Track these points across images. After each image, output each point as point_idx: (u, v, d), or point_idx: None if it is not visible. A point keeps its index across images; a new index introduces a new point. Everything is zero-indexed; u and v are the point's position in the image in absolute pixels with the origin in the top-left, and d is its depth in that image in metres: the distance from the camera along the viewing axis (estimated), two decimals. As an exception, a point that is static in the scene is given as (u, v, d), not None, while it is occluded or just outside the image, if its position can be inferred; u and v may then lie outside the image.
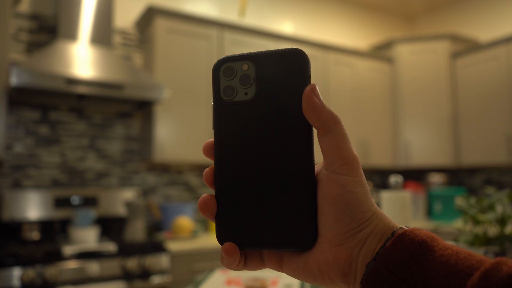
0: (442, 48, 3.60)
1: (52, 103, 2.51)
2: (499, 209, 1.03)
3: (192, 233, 2.55)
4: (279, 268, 0.33)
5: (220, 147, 0.33)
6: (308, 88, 0.31)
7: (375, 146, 3.57)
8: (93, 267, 1.99)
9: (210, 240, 2.51)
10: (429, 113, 3.60)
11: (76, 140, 2.64)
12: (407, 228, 0.30)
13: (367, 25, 4.16)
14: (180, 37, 2.72)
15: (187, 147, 2.67)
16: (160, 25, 2.65)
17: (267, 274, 1.36)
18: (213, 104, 0.33)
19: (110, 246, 2.08)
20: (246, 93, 0.33)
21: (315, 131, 0.32)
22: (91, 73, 2.23)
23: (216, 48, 2.84)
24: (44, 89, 2.09)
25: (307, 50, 3.26)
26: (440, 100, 3.57)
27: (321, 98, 0.31)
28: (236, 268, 0.33)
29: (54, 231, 2.45)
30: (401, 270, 0.27)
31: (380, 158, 3.58)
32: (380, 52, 3.83)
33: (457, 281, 0.26)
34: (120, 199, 2.64)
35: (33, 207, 2.37)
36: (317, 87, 0.31)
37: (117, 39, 2.83)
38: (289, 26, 3.64)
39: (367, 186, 0.31)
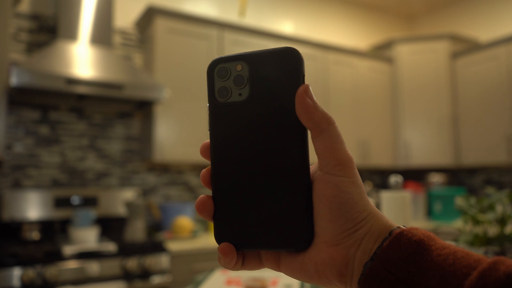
0: (442, 48, 3.60)
1: (52, 103, 2.51)
2: (499, 209, 1.03)
3: (192, 233, 2.55)
4: (277, 268, 0.33)
5: (216, 149, 0.33)
6: (301, 88, 0.31)
7: (375, 146, 3.57)
8: (93, 267, 1.99)
9: (210, 240, 2.51)
10: (429, 113, 3.60)
11: (76, 140, 2.65)
12: (404, 228, 0.30)
13: (367, 25, 4.16)
14: (180, 37, 2.72)
15: (187, 147, 2.67)
16: (160, 25, 2.65)
17: (267, 274, 1.36)
18: (208, 106, 0.33)
19: (110, 246, 2.08)
20: (240, 94, 0.32)
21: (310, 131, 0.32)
22: (91, 73, 2.24)
23: (216, 48, 2.84)
24: (44, 89, 2.09)
25: (307, 50, 3.26)
26: (440, 100, 3.57)
27: (314, 99, 0.31)
28: (234, 268, 0.33)
29: (54, 231, 2.45)
30: (399, 270, 0.27)
31: (380, 158, 3.58)
32: (380, 52, 3.83)
33: (454, 280, 0.26)
34: (120, 199, 2.64)
35: (33, 207, 2.37)
36: (310, 87, 0.31)
37: (117, 39, 2.83)
38: (289, 26, 3.64)
39: (362, 186, 0.31)
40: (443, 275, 0.26)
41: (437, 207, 3.38)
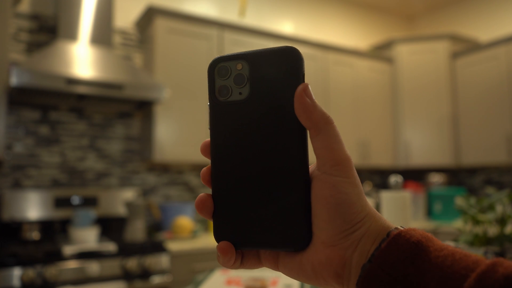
0: (442, 48, 3.60)
1: (52, 103, 2.51)
2: (499, 209, 1.03)
3: (192, 233, 2.55)
4: (275, 267, 0.33)
5: (216, 147, 0.33)
6: (299, 88, 0.30)
7: (375, 146, 3.57)
8: (93, 267, 1.99)
9: (210, 240, 2.51)
10: (429, 113, 3.60)
11: (76, 140, 2.65)
12: (402, 229, 0.29)
13: (367, 25, 4.16)
14: (180, 37, 2.72)
15: (187, 147, 2.67)
16: (160, 25, 2.65)
17: (267, 274, 1.36)
18: (209, 104, 0.33)
19: (110, 246, 2.08)
20: (240, 93, 0.32)
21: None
22: (91, 73, 2.24)
23: (216, 48, 2.84)
24: (44, 89, 2.09)
25: (307, 50, 3.26)
26: (440, 100, 3.57)
27: (313, 98, 0.30)
28: (233, 266, 0.33)
29: (54, 231, 2.45)
30: (397, 272, 0.27)
31: (380, 158, 3.58)
32: (380, 52, 3.83)
33: (453, 282, 0.26)
34: (120, 199, 2.64)
35: (33, 207, 2.37)
36: (309, 86, 0.31)
37: (117, 39, 2.83)
38: (289, 26, 3.64)
39: (360, 187, 0.31)
40: (441, 276, 0.26)
41: (437, 207, 3.38)
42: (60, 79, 2.11)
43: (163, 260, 2.18)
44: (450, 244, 1.05)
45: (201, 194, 0.33)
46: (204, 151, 0.34)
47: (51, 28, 2.61)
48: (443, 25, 4.18)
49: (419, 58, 3.65)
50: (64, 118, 2.62)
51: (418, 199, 3.42)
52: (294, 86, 0.31)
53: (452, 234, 3.01)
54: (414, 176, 4.07)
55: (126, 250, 2.10)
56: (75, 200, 2.50)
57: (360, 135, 3.49)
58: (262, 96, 0.32)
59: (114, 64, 2.40)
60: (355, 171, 0.31)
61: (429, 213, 3.52)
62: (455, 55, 3.59)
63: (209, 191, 3.76)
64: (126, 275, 2.07)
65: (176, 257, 2.27)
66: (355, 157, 3.43)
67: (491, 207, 1.05)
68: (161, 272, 2.17)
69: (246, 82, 0.32)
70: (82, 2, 2.45)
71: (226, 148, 0.33)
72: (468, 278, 0.25)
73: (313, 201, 0.31)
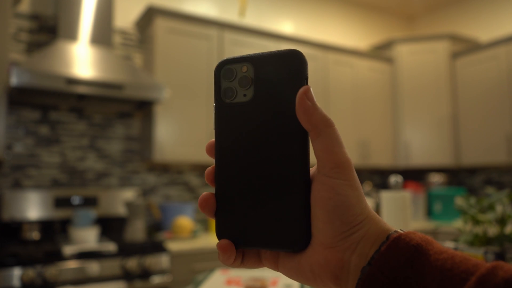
0: (442, 48, 3.60)
1: (52, 103, 2.51)
2: (499, 209, 1.03)
3: (192, 233, 2.55)
4: (275, 267, 0.33)
5: (220, 148, 0.33)
6: (301, 90, 0.31)
7: (375, 146, 3.57)
8: (93, 267, 1.99)
9: (210, 240, 2.51)
10: (429, 113, 3.60)
11: (76, 140, 2.65)
12: (402, 232, 0.29)
13: (367, 25, 4.16)
14: (180, 37, 2.72)
15: (187, 147, 2.67)
16: (160, 25, 2.65)
17: (267, 274, 1.36)
18: (215, 106, 0.34)
19: (110, 246, 2.08)
20: (245, 95, 0.33)
21: None
22: (91, 73, 2.24)
23: (216, 48, 2.84)
24: (44, 89, 2.09)
25: (307, 50, 3.26)
26: (440, 100, 3.57)
27: (315, 101, 0.31)
28: (233, 265, 0.33)
29: (54, 231, 2.45)
30: (396, 275, 0.27)
31: (380, 158, 3.58)
32: (380, 52, 3.83)
33: (453, 286, 0.26)
34: (120, 199, 2.64)
35: (33, 207, 2.37)
36: (311, 89, 0.31)
37: (117, 39, 2.83)
38: (289, 26, 3.64)
39: (360, 189, 0.31)
40: (441, 280, 0.26)
41: (437, 207, 3.38)
42: (60, 79, 2.11)
43: (163, 260, 2.18)
44: (450, 244, 1.05)
45: (205, 193, 0.33)
46: (209, 151, 0.34)
47: (51, 28, 2.61)
48: (443, 25, 4.18)
49: (419, 58, 3.65)
50: (64, 118, 2.62)
51: (418, 199, 3.42)
52: (296, 89, 0.31)
53: (452, 234, 3.01)
54: (414, 176, 4.07)
55: (126, 250, 2.10)
56: (75, 200, 2.50)
57: (360, 135, 3.49)
58: (266, 99, 0.32)
59: (114, 64, 2.40)
60: (355, 174, 0.31)
61: (429, 213, 3.52)
62: (455, 55, 3.59)
63: (209, 190, 3.77)
64: (126, 275, 2.08)
65: (176, 257, 2.27)
66: (355, 157, 3.44)
67: (491, 207, 1.05)
68: (161, 272, 2.17)
69: (251, 84, 0.33)
70: (82, 2, 2.45)
71: (230, 149, 0.33)
72: (468, 282, 0.25)
73: (312, 203, 0.31)
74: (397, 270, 0.27)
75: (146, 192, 2.85)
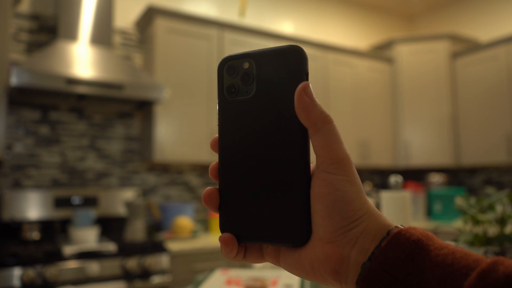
0: (442, 48, 3.60)
1: (52, 103, 2.51)
2: (499, 209, 1.03)
3: (192, 233, 2.55)
4: (277, 262, 0.34)
5: (223, 144, 0.34)
6: (300, 86, 0.31)
7: (375, 146, 3.57)
8: (93, 267, 1.99)
9: (210, 240, 2.51)
10: (429, 113, 3.60)
11: (76, 140, 2.65)
12: (402, 227, 0.29)
13: (367, 25, 4.16)
14: (180, 37, 2.72)
15: (187, 147, 2.67)
16: (160, 25, 2.65)
17: (267, 274, 1.36)
18: (218, 102, 0.34)
19: (110, 246, 2.08)
20: (247, 91, 0.33)
21: None
22: (91, 73, 2.24)
23: (216, 48, 2.84)
24: (44, 89, 2.09)
25: (307, 50, 3.26)
26: (440, 100, 3.58)
27: (313, 97, 0.31)
28: (235, 259, 0.33)
29: (54, 231, 2.45)
30: (397, 271, 0.27)
31: (380, 158, 3.58)
32: (380, 52, 3.83)
33: (453, 281, 0.26)
34: (120, 199, 2.64)
35: (33, 207, 2.37)
36: (310, 85, 0.31)
37: (117, 39, 2.83)
38: (289, 26, 3.64)
39: (360, 185, 0.31)
40: (442, 275, 0.26)
41: (437, 207, 3.38)
42: (60, 79, 2.11)
43: (163, 260, 2.18)
44: (451, 243, 1.05)
45: (208, 188, 0.34)
46: (213, 146, 0.35)
47: (51, 28, 2.61)
48: (443, 25, 4.18)
49: (419, 58, 3.65)
50: (64, 118, 2.62)
51: (418, 199, 3.42)
52: (296, 85, 0.31)
53: (452, 234, 3.01)
54: (414, 176, 4.07)
55: (126, 250, 2.10)
56: (75, 200, 2.50)
57: (360, 135, 3.49)
58: (267, 95, 0.32)
59: (114, 64, 2.40)
60: (355, 170, 0.31)
61: (429, 213, 3.52)
62: (455, 55, 3.59)
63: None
64: (126, 275, 2.08)
65: (176, 257, 2.27)
66: (355, 157, 3.44)
67: (491, 207, 1.05)
68: (161, 272, 2.17)
69: (252, 81, 0.33)
70: (82, 2, 2.45)
71: (233, 145, 0.33)
72: (469, 277, 0.25)
73: (312, 198, 0.31)
74: (397, 265, 0.27)
75: (146, 192, 2.85)
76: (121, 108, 2.71)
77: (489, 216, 1.02)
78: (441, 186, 3.56)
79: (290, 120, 0.31)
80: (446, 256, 0.27)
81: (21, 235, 2.31)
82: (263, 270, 1.43)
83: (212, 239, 2.58)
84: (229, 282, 1.26)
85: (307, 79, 0.32)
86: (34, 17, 2.56)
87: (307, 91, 0.30)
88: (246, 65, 0.33)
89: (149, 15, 2.68)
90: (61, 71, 2.14)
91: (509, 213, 1.01)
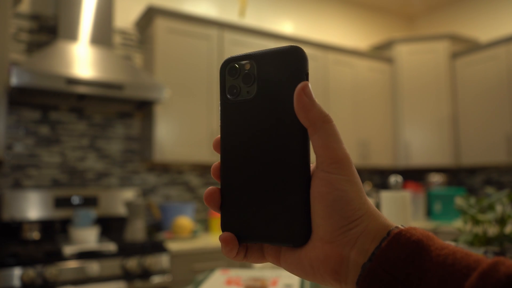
0: (442, 48, 3.60)
1: (52, 103, 2.51)
2: (499, 209, 1.03)
3: (192, 233, 2.55)
4: (277, 262, 0.34)
5: (225, 144, 0.34)
6: (299, 86, 0.31)
7: (375, 146, 3.57)
8: (93, 267, 1.99)
9: (210, 240, 2.51)
10: (429, 113, 3.60)
11: (76, 140, 2.65)
12: (402, 228, 0.29)
13: (367, 25, 4.16)
14: (180, 37, 2.72)
15: (187, 147, 2.67)
16: (160, 25, 2.65)
17: (267, 274, 1.36)
18: (220, 103, 0.35)
19: (110, 246, 2.08)
20: (248, 92, 0.34)
21: None
22: (91, 73, 2.24)
23: (216, 48, 2.84)
24: (44, 89, 2.09)
25: (307, 50, 3.26)
26: (440, 100, 3.58)
27: (313, 97, 0.31)
28: (236, 258, 0.34)
29: (54, 231, 2.45)
30: (397, 271, 0.27)
31: (380, 158, 3.58)
32: (380, 52, 3.83)
33: (454, 281, 0.26)
34: (120, 199, 2.64)
35: (33, 207, 2.37)
36: (309, 85, 0.31)
37: (117, 39, 2.83)
38: (289, 26, 3.64)
39: (360, 185, 0.31)
40: (442, 276, 0.26)
41: (437, 207, 3.38)
42: (60, 79, 2.12)
43: (163, 260, 2.18)
44: (451, 243, 1.05)
45: (210, 187, 0.34)
46: (215, 146, 0.35)
47: (51, 28, 2.61)
48: (443, 25, 4.18)
49: (419, 58, 3.65)
50: (64, 118, 2.62)
51: (418, 199, 3.42)
52: (296, 85, 0.32)
53: (452, 234, 3.01)
54: (414, 176, 4.07)
55: (126, 250, 2.10)
56: (75, 200, 2.50)
57: (360, 135, 3.49)
58: (268, 95, 0.33)
59: (114, 64, 2.40)
60: (354, 169, 0.31)
61: (429, 213, 3.52)
62: (455, 55, 3.59)
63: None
64: (126, 275, 2.08)
65: (176, 257, 2.27)
66: (355, 157, 3.44)
67: (491, 207, 1.05)
68: (161, 272, 2.17)
69: (254, 82, 0.33)
70: (82, 2, 2.45)
71: (234, 146, 0.34)
72: (470, 277, 0.25)
73: (311, 198, 0.31)
74: (398, 266, 0.27)
75: (146, 192, 2.85)
76: (121, 108, 2.71)
77: (489, 216, 1.02)
78: (441, 186, 3.56)
79: (291, 120, 0.32)
80: (447, 257, 0.27)
81: (21, 235, 2.31)
82: (263, 270, 1.43)
83: (212, 239, 2.58)
84: (229, 282, 1.26)
85: (307, 79, 0.32)
86: (34, 17, 2.56)
87: (306, 91, 0.31)
88: (247, 66, 0.34)
89: (149, 15, 2.68)
90: (61, 71, 2.14)
91: (509, 213, 1.01)
